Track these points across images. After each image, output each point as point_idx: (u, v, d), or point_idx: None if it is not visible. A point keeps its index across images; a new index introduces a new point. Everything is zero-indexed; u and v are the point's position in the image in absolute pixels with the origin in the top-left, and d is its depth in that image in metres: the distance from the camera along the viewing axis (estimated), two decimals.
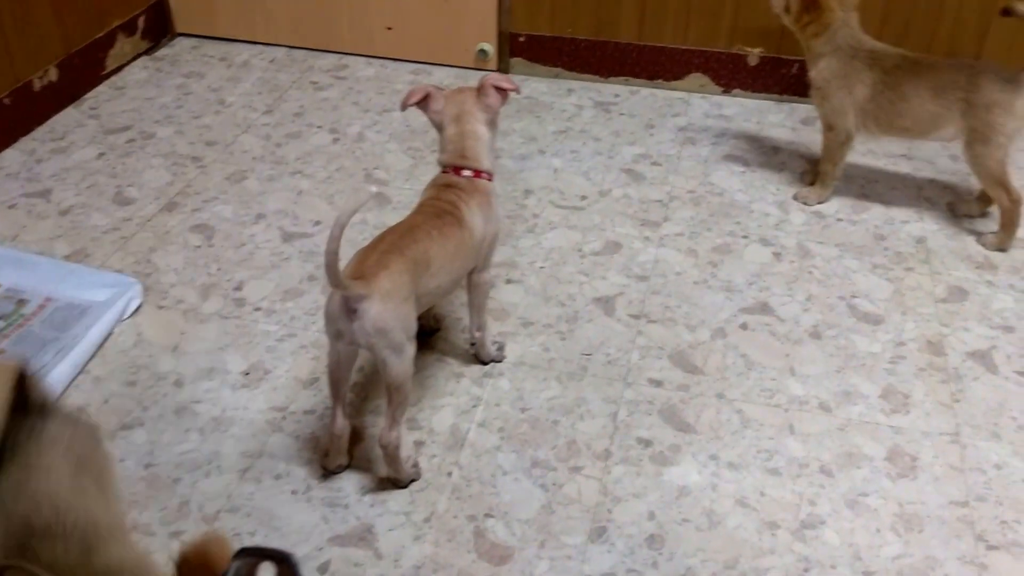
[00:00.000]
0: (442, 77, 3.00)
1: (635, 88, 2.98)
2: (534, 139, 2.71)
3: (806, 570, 1.56)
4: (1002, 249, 2.29)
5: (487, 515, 1.64)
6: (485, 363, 1.95)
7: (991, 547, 1.60)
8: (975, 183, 2.37)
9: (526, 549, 1.59)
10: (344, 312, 1.51)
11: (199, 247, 2.26)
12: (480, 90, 1.77)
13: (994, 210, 2.33)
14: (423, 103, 1.77)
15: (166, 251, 2.24)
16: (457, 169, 1.76)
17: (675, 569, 1.56)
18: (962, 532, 1.63)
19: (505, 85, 1.77)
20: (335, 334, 1.55)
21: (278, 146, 2.66)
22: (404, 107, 1.76)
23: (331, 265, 1.42)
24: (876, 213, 2.42)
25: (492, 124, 1.79)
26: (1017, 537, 1.62)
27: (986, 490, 1.70)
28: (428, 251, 1.61)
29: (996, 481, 1.72)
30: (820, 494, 1.69)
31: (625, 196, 2.47)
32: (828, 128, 2.35)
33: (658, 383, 1.91)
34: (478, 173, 1.76)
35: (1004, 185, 2.24)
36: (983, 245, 2.31)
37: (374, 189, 1.44)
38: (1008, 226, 2.28)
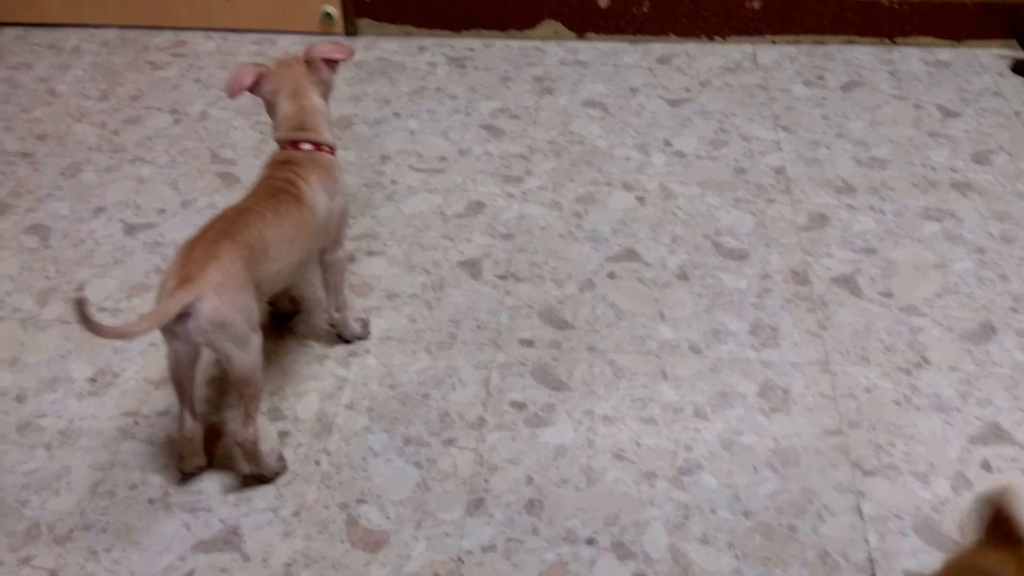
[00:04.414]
0: (287, 45, 2.86)
1: (489, 41, 2.89)
2: (388, 101, 2.61)
3: (686, 517, 1.54)
4: None
5: (359, 501, 1.57)
6: (350, 342, 1.87)
7: (867, 473, 1.61)
8: None
9: (402, 531, 1.53)
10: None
11: (35, 250, 2.10)
12: (309, 65, 1.70)
13: None
14: (255, 87, 1.68)
15: None
16: (295, 143, 1.67)
17: (556, 532, 1.52)
18: (837, 461, 1.63)
19: (335, 55, 1.70)
20: (169, 335, 1.44)
21: (115, 133, 2.49)
22: (234, 94, 1.66)
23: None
24: (735, 147, 2.41)
25: (326, 96, 1.74)
26: (892, 460, 1.63)
27: (858, 415, 1.71)
28: (263, 234, 1.51)
29: (867, 405, 1.73)
30: (696, 438, 1.67)
31: (486, 153, 2.40)
32: None
33: (529, 343, 1.86)
34: (318, 146, 1.68)
35: None
36: None
37: (84, 294, 1.39)
38: None
